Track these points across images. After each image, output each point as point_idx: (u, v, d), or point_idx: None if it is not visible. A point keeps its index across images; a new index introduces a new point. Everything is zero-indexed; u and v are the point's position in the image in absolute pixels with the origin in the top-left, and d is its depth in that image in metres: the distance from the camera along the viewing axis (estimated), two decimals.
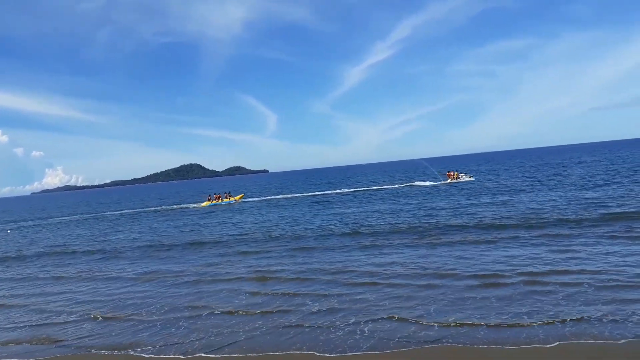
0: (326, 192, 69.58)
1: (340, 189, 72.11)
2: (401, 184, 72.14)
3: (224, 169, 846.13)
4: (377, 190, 63.50)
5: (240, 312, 14.30)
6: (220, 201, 65.83)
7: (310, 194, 69.18)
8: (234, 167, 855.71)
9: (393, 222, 29.44)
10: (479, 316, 12.20)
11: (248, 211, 47.86)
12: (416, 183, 69.01)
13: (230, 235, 30.96)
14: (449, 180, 66.51)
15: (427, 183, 66.89)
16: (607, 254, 16.91)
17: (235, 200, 66.80)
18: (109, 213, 68.50)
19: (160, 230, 38.19)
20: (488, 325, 11.56)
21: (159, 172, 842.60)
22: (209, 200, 66.34)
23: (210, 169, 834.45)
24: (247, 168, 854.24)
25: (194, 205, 67.58)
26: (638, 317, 11.11)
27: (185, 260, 23.73)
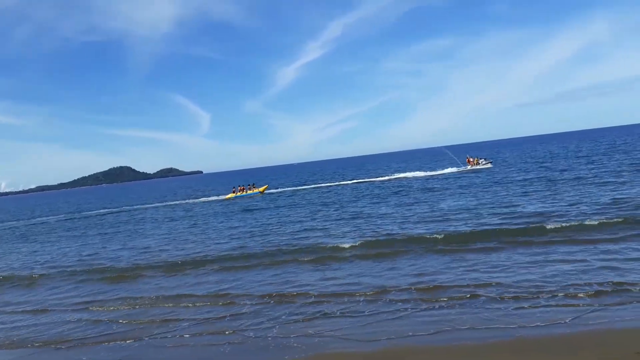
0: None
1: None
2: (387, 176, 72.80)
3: (155, 171, 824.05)
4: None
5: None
6: (244, 192, 66.18)
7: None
8: (166, 168, 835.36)
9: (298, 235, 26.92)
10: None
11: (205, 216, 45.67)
12: (413, 174, 68.77)
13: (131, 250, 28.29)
14: (469, 167, 66.54)
15: (425, 173, 67.42)
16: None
17: (259, 192, 66.68)
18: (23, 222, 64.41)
19: (64, 245, 34.75)
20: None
21: (87, 175, 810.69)
22: (234, 192, 66.74)
23: (141, 171, 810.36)
24: (180, 169, 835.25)
25: (216, 197, 68.20)
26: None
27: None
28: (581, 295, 12.68)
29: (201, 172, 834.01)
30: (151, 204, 72.90)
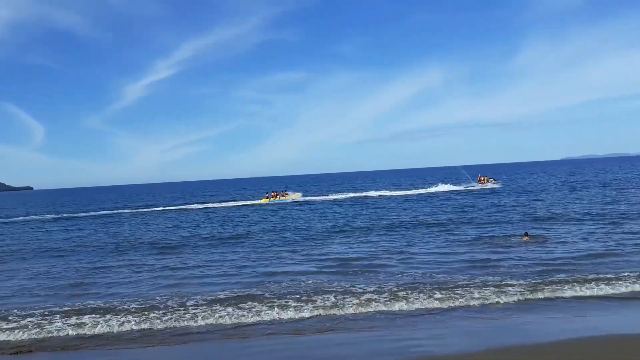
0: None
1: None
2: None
3: None
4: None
5: None
6: (277, 199, 67.91)
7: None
8: None
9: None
10: None
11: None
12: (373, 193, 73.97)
13: None
14: (479, 185, 72.51)
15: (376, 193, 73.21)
16: None
17: (292, 199, 68.08)
18: None
19: None
20: None
21: None
22: (267, 197, 69.00)
23: None
24: (6, 184, 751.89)
25: (255, 201, 69.43)
26: None
27: None
28: None
29: (31, 188, 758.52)
30: None
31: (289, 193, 72.30)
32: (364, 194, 76.14)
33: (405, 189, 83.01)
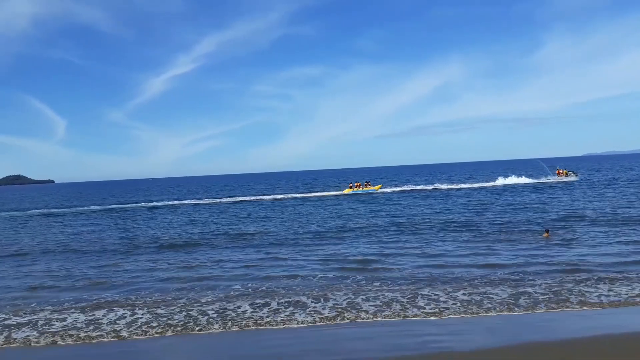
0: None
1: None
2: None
3: None
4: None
5: None
6: (360, 189, 72.18)
7: None
8: (13, 175, 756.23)
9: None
10: None
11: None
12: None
13: None
14: (558, 178, 72.86)
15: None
16: None
17: (374, 190, 72.15)
18: None
19: None
20: None
21: None
22: (350, 187, 73.34)
23: None
24: (29, 177, 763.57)
25: (338, 192, 73.86)
26: None
27: None
28: None
29: (53, 181, 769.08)
30: None
31: (371, 185, 75.73)
32: (432, 186, 77.62)
33: (476, 182, 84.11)
